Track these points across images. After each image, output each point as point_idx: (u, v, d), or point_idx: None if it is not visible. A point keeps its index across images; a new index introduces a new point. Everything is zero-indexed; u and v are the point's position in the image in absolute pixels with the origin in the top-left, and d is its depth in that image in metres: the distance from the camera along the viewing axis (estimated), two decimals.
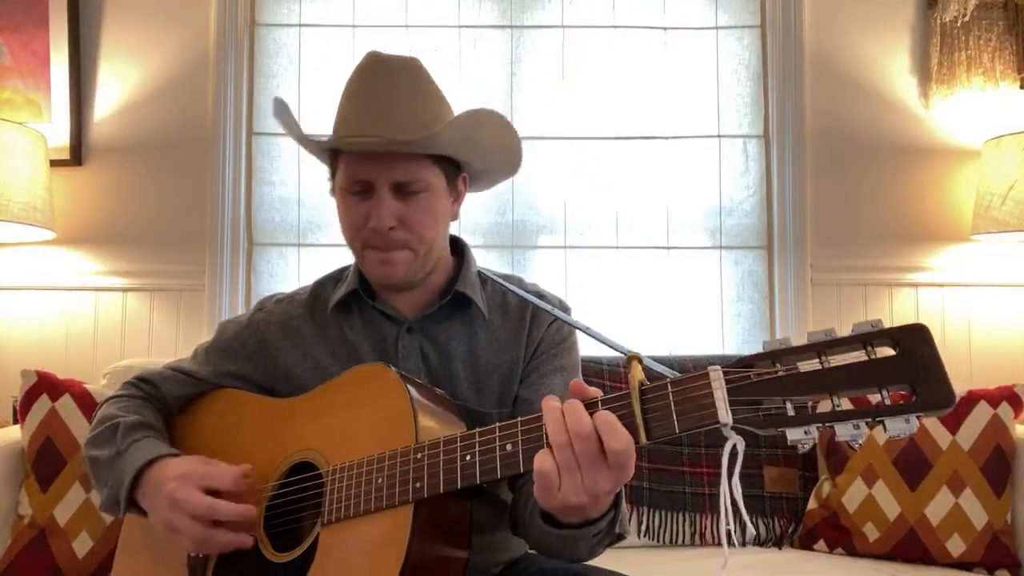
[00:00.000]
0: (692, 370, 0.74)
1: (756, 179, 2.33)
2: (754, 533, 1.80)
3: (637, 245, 2.32)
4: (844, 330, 0.67)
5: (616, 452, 0.73)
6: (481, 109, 1.03)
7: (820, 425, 0.67)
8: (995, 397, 1.76)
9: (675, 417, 0.72)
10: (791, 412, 0.68)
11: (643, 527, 1.82)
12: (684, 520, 1.83)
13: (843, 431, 0.66)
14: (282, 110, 1.07)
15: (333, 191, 1.12)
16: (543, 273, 2.30)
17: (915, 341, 0.64)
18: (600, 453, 0.74)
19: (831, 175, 2.28)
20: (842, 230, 2.27)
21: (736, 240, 2.33)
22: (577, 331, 1.12)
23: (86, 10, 2.26)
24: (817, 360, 0.68)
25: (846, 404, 0.67)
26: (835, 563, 1.69)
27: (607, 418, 0.74)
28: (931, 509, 1.69)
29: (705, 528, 1.82)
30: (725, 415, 0.69)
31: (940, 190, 2.26)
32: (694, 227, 2.33)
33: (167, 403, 1.17)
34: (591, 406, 0.76)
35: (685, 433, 0.72)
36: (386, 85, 1.04)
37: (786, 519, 1.83)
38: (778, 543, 1.81)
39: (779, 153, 2.29)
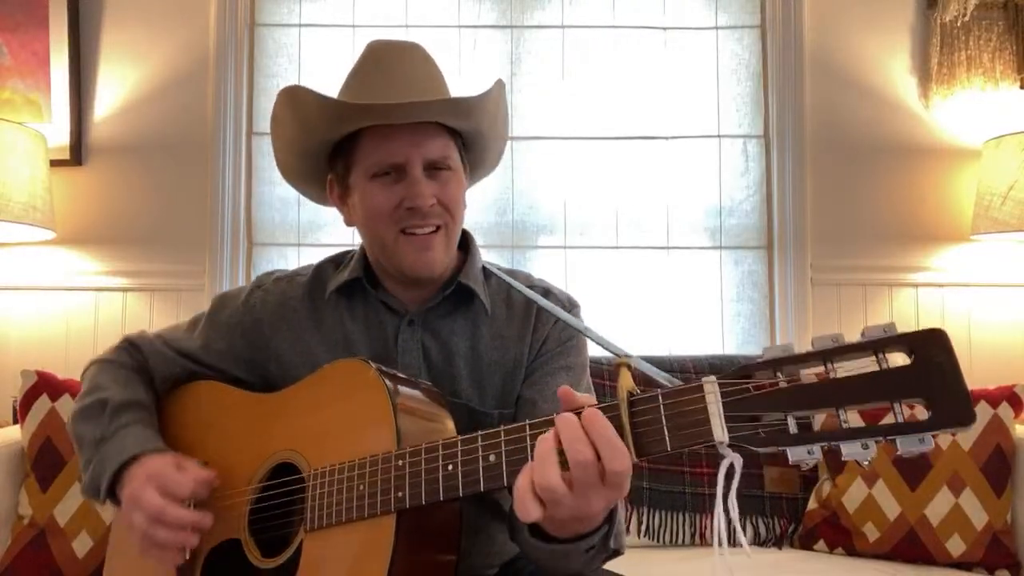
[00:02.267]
0: (692, 372, 0.71)
1: (756, 179, 2.33)
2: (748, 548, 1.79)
3: (637, 245, 2.32)
4: (846, 331, 0.63)
5: (616, 473, 0.67)
6: (498, 86, 1.04)
7: (825, 444, 0.62)
8: (995, 397, 1.76)
9: (666, 434, 0.67)
10: (793, 429, 0.63)
11: (643, 527, 1.82)
12: (684, 520, 1.83)
13: (850, 450, 0.61)
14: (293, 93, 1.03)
15: (335, 200, 1.09)
16: (543, 273, 2.28)
17: (932, 349, 0.59)
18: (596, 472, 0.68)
19: (831, 175, 2.28)
20: (842, 230, 2.27)
21: (736, 240, 2.33)
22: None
23: (86, 10, 2.27)
24: (823, 369, 0.62)
25: (853, 418, 0.62)
26: (835, 563, 1.69)
27: (608, 436, 0.67)
28: (931, 509, 1.69)
29: (705, 528, 1.82)
30: (721, 433, 0.64)
31: (940, 190, 2.26)
32: (694, 227, 2.33)
33: (152, 377, 1.15)
34: (577, 414, 0.71)
35: (677, 451, 0.67)
36: (399, 64, 1.01)
37: (786, 519, 1.83)
38: (778, 543, 1.81)
39: (779, 153, 2.29)
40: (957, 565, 1.68)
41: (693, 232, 2.33)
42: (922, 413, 0.60)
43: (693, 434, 0.66)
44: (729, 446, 0.65)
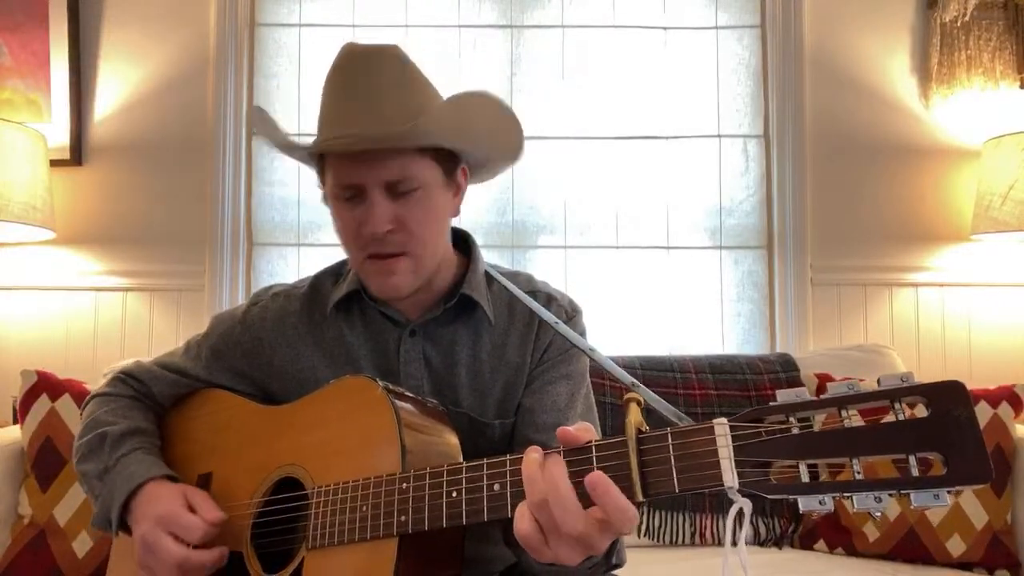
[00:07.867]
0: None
1: (756, 179, 2.33)
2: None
3: (637, 245, 2.32)
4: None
5: (615, 524, 0.66)
6: (469, 92, 0.96)
7: (836, 495, 0.62)
8: (995, 397, 1.76)
9: (675, 475, 0.66)
10: (805, 477, 0.62)
11: (643, 527, 1.82)
12: (684, 520, 1.83)
13: (862, 503, 0.61)
14: (260, 120, 1.01)
15: (325, 199, 1.07)
16: (543, 273, 2.28)
17: (950, 401, 0.59)
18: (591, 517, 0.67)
19: (831, 175, 2.28)
20: (842, 230, 2.27)
21: (736, 240, 2.33)
22: (587, 330, 1.09)
23: (86, 10, 2.27)
24: (837, 416, 0.62)
25: (866, 466, 0.62)
26: (835, 563, 1.69)
27: (602, 484, 0.66)
28: (931, 509, 1.69)
29: (705, 528, 1.82)
30: (731, 478, 0.63)
31: (940, 190, 2.27)
32: (694, 227, 2.33)
33: (156, 401, 1.14)
34: (583, 452, 0.70)
35: (684, 493, 0.66)
36: (364, 78, 0.96)
37: (786, 519, 1.82)
38: (778, 543, 1.81)
39: (779, 153, 2.29)
40: (957, 565, 1.67)
41: (693, 232, 2.33)
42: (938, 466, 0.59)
43: (702, 477, 0.65)
44: (738, 491, 0.64)
